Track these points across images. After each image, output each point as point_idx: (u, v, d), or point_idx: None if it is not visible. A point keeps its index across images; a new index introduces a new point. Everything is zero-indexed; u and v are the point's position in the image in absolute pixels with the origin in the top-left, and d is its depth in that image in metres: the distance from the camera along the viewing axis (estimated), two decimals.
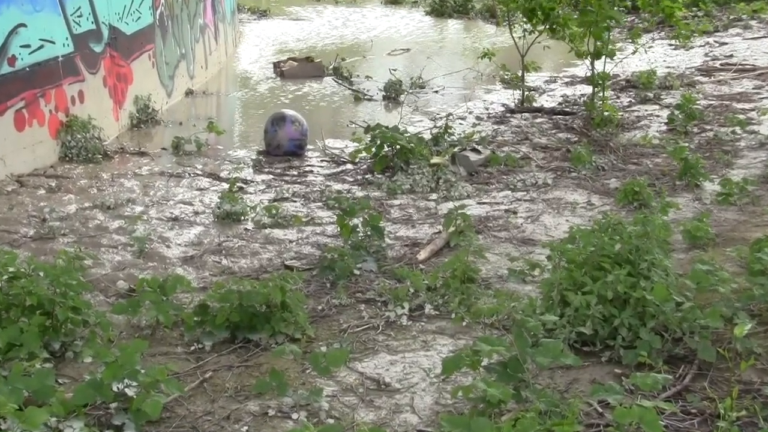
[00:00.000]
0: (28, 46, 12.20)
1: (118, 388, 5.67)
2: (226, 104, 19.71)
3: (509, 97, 18.01)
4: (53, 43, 12.88)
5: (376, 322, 7.33)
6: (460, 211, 9.26)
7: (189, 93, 19.45)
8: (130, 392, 5.69)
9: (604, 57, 15.19)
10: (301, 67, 21.92)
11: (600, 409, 5.66)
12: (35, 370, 5.82)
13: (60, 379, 6.27)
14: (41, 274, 6.86)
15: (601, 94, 15.62)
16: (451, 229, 9.25)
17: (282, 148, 13.72)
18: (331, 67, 21.98)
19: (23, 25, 12.10)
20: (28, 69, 12.21)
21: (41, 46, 12.56)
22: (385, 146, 12.45)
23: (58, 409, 5.41)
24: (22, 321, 6.50)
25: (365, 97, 19.03)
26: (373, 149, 12.55)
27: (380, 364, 6.61)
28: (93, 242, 9.52)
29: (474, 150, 12.95)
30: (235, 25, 27.71)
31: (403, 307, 7.51)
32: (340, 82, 20.79)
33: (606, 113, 15.05)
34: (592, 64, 15.40)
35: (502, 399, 5.21)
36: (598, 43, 15.05)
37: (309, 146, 14.11)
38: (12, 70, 11.82)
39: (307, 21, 34.01)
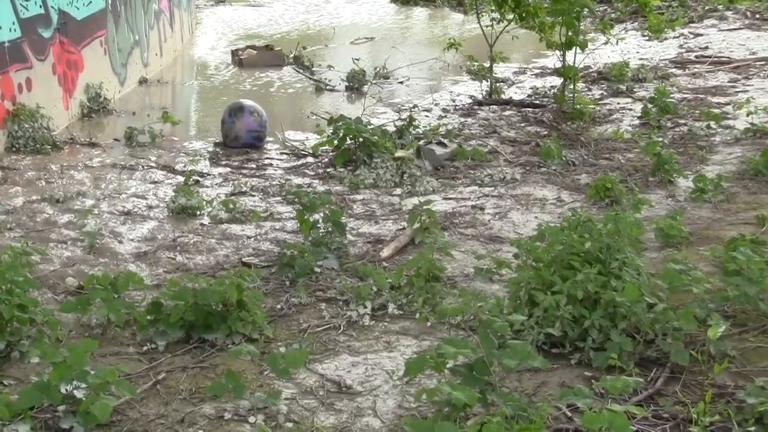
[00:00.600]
0: None
1: (66, 390, 5.63)
2: (182, 93, 19.63)
3: (477, 88, 18.04)
4: None
5: (338, 322, 7.32)
6: (425, 207, 9.27)
7: (143, 81, 19.35)
8: (79, 394, 5.64)
9: (575, 48, 15.24)
10: (260, 56, 21.87)
11: (569, 414, 5.69)
12: None
13: (5, 380, 6.23)
14: None
15: (572, 87, 15.68)
16: (416, 225, 9.26)
17: (240, 140, 13.68)
18: (291, 55, 21.94)
19: None
20: None
21: None
22: (348, 139, 12.44)
23: (2, 412, 5.37)
24: None
25: (327, 88, 19.01)
26: (335, 142, 12.53)
27: (341, 365, 6.61)
28: (41, 237, 9.45)
29: (440, 143, 12.97)
30: (191, 11, 27.60)
31: (365, 307, 7.51)
32: (301, 71, 20.76)
33: (577, 106, 15.12)
34: (563, 55, 15.46)
35: (467, 403, 5.22)
36: (570, 33, 15.10)
37: (268, 138, 14.07)
38: None
39: (267, 7, 33.93)
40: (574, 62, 15.43)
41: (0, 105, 12.78)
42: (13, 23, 13.18)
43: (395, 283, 7.90)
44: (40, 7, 14.14)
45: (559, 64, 16.02)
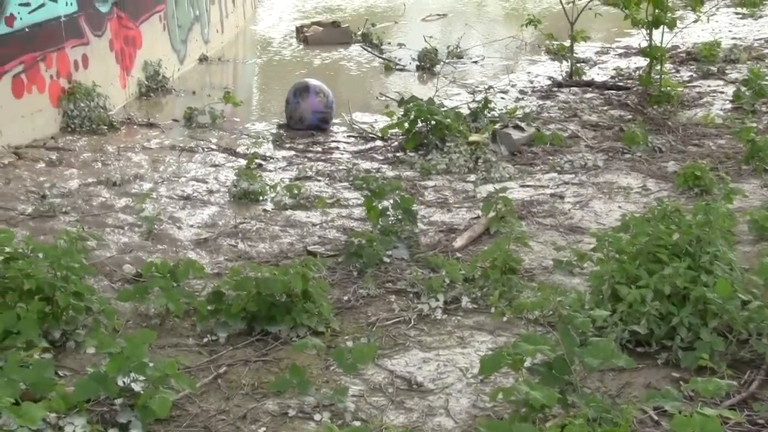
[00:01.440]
0: (27, 4, 12.23)
1: (123, 383, 5.68)
2: (243, 72, 19.74)
3: (556, 69, 17.94)
4: (55, 1, 12.92)
5: (408, 316, 7.31)
6: (500, 195, 9.23)
7: (203, 59, 19.48)
8: (136, 387, 5.69)
9: (662, 26, 15.07)
10: (326, 33, 21.91)
11: (656, 417, 5.63)
12: (33, 360, 5.84)
13: (60, 371, 6.30)
14: (40, 255, 6.86)
15: (658, 68, 15.51)
16: (491, 214, 9.21)
17: (305, 122, 13.72)
18: (359, 33, 21.97)
19: None
20: (27, 30, 12.24)
21: (42, 5, 12.60)
22: (419, 121, 12.41)
23: (57, 404, 5.42)
24: (19, 307, 6.51)
25: (397, 67, 19.00)
26: (406, 124, 12.52)
27: (412, 361, 6.60)
28: (97, 221, 9.55)
29: (517, 127, 12.91)
30: None
31: (437, 300, 7.50)
32: (369, 49, 20.76)
33: (664, 89, 14.95)
34: (649, 33, 15.28)
35: (546, 403, 5.18)
36: (657, 10, 14.93)
37: (334, 120, 14.11)
38: (10, 30, 11.86)
39: None
40: (661, 41, 15.25)
41: (55, 83, 12.93)
42: None
43: (469, 275, 7.87)
44: None
45: (644, 44, 15.85)
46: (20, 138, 12.14)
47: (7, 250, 6.89)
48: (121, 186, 10.81)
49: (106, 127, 13.27)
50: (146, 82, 16.00)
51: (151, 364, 5.71)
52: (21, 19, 12.05)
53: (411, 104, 12.56)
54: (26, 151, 11.94)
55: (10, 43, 11.85)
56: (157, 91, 16.12)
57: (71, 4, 13.34)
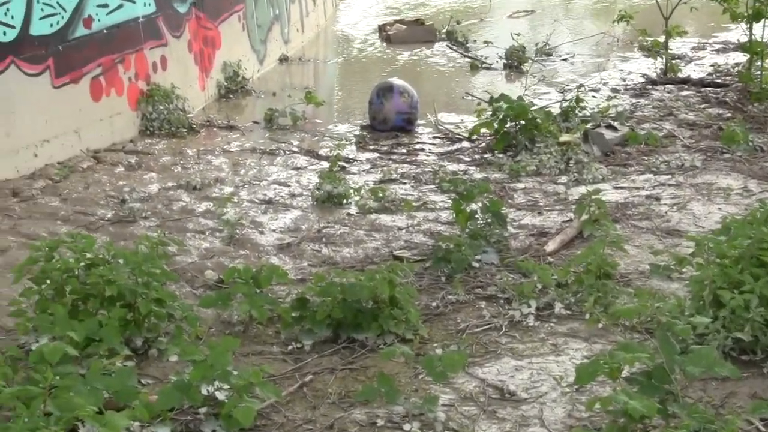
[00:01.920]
0: (105, 5, 12.41)
1: (207, 391, 5.73)
2: (325, 72, 19.82)
3: (650, 66, 17.76)
4: (133, 2, 13.09)
5: (499, 322, 7.29)
6: (594, 197, 9.16)
7: (283, 59, 19.58)
8: (220, 396, 5.74)
9: (764, 19, 14.85)
10: (409, 31, 21.92)
11: (763, 429, 5.55)
12: (116, 368, 5.91)
13: (143, 379, 6.37)
14: (121, 261, 6.95)
15: (759, 63, 15.29)
16: (584, 216, 9.15)
17: (389, 123, 13.73)
18: (444, 30, 21.92)
19: None
20: (105, 31, 12.42)
21: (120, 6, 12.77)
22: (508, 121, 12.37)
23: (141, 413, 5.47)
24: (100, 313, 6.62)
25: (483, 66, 18.94)
26: (495, 124, 12.48)
27: (504, 369, 6.58)
28: (177, 226, 9.66)
29: (609, 127, 12.81)
30: None
31: (529, 306, 7.46)
32: (454, 48, 20.73)
33: (765, 85, 14.73)
34: (749, 27, 15.08)
35: (645, 414, 5.13)
36: (757, 3, 14.73)
37: (419, 121, 14.09)
38: (88, 32, 12.04)
39: None
40: (762, 36, 15.04)
41: (134, 85, 13.09)
42: None
43: (562, 281, 7.82)
44: None
45: (744, 39, 15.64)
46: (99, 141, 12.30)
47: (88, 256, 7.00)
48: (202, 190, 10.91)
49: (185, 130, 13.39)
50: (226, 84, 16.11)
51: (235, 373, 5.75)
52: (99, 20, 12.23)
53: (501, 103, 12.50)
54: (105, 155, 12.10)
55: (88, 45, 12.03)
56: (237, 92, 16.23)
57: (149, 4, 13.50)
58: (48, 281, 6.85)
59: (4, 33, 10.65)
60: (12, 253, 8.80)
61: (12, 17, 10.75)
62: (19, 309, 6.80)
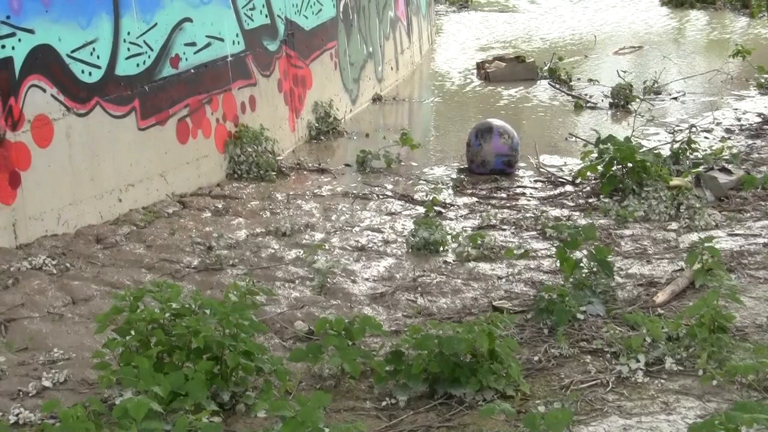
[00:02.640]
0: (193, 44, 12.60)
1: None
2: (420, 112, 19.89)
3: (767, 105, 17.57)
4: (222, 40, 13.27)
5: (605, 378, 7.22)
6: (706, 244, 9.06)
7: (377, 99, 19.70)
8: None
9: None
10: (509, 69, 21.95)
11: None
12: (202, 424, 5.94)
13: None
14: (208, 311, 7.01)
15: None
16: (696, 266, 9.05)
17: (488, 166, 13.74)
18: (546, 68, 21.94)
19: (188, 19, 12.51)
20: (192, 71, 12.60)
21: (208, 44, 12.95)
22: (615, 164, 12.30)
23: None
24: (186, 366, 6.66)
25: (588, 105, 18.90)
26: (601, 167, 12.42)
27: (611, 429, 6.50)
28: (266, 275, 9.72)
29: (723, 170, 12.68)
30: (430, 19, 27.98)
31: (638, 361, 7.38)
32: (557, 86, 20.72)
33: None
34: None
35: None
36: None
37: (520, 163, 14.09)
38: (175, 72, 12.22)
39: (517, 13, 34.06)
40: None
41: (221, 127, 13.24)
42: (237, 35, 13.67)
43: (673, 334, 7.73)
44: (266, 16, 14.60)
45: None
46: (185, 186, 12.45)
47: (174, 306, 7.04)
48: (291, 236, 10.98)
49: (274, 173, 13.51)
50: (316, 125, 16.24)
51: (326, 430, 5.76)
52: (186, 59, 12.41)
53: (607, 144, 12.44)
54: (191, 200, 12.24)
55: (175, 85, 12.21)
56: (328, 133, 16.34)
57: (238, 42, 13.67)
58: (132, 332, 6.91)
59: (90, 73, 10.86)
60: (95, 303, 8.92)
61: (98, 57, 10.97)
62: (102, 361, 6.85)
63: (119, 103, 11.30)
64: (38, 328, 8.28)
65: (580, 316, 8.30)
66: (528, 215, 11.68)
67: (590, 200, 12.23)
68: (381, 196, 12.73)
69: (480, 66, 22.70)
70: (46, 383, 7.20)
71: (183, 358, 6.73)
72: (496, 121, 14.26)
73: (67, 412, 5.73)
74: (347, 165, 14.46)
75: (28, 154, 10.06)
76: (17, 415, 6.65)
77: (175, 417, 6.07)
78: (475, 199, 12.67)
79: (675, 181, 12.02)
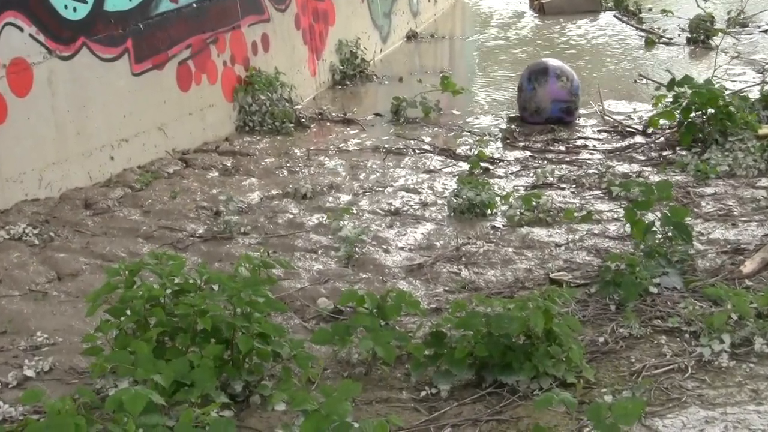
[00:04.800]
0: None
1: None
2: (463, 52, 19.85)
3: None
4: None
5: (683, 362, 7.20)
6: None
7: (411, 36, 19.67)
8: None
9: None
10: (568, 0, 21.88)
11: None
12: (210, 419, 5.94)
13: None
14: (216, 287, 7.02)
15: None
16: None
17: (543, 113, 13.71)
18: None
19: None
20: (195, 5, 12.60)
21: None
22: (694, 110, 12.24)
23: None
24: (192, 352, 6.67)
25: (661, 41, 18.82)
26: (677, 114, 12.36)
27: (691, 421, 6.49)
28: (284, 244, 9.74)
29: None
30: None
31: (722, 342, 7.36)
32: (624, 19, 20.65)
33: None
34: None
35: None
36: None
37: (581, 111, 14.04)
38: (174, 7, 12.23)
39: None
40: None
41: (229, 71, 13.24)
42: None
43: (763, 310, 7.72)
44: None
45: None
46: (188, 141, 12.48)
47: (177, 281, 7.05)
48: (313, 199, 11.00)
49: (292, 125, 13.51)
50: (341, 67, 16.23)
51: (356, 425, 5.76)
52: None
53: (684, 87, 12.38)
54: (195, 157, 12.27)
55: (174, 22, 12.21)
56: (355, 77, 16.34)
57: None
58: (128, 312, 6.91)
59: (75, 9, 10.88)
60: (85, 278, 8.96)
61: None
62: (93, 346, 6.86)
63: (109, 43, 11.31)
64: (18, 309, 8.31)
65: (653, 290, 8.28)
66: (591, 171, 11.66)
67: (664, 153, 12.19)
68: (417, 151, 12.72)
69: None
70: (29, 372, 7.23)
71: (187, 342, 6.72)
72: (553, 61, 14.21)
73: (54, 405, 5.71)
74: (377, 115, 14.46)
75: (4, 104, 10.08)
76: None
77: (178, 410, 6.09)
78: (528, 153, 12.65)
79: (765, 130, 11.97)
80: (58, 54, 10.64)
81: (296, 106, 14.07)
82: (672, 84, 12.71)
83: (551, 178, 11.46)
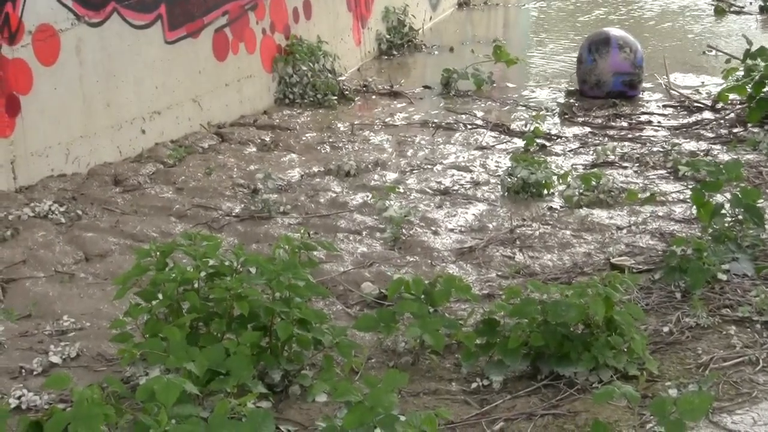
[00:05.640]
0: None
1: None
2: (518, 20, 19.81)
3: None
4: None
5: (754, 354, 7.16)
6: None
7: (463, 4, 19.66)
8: None
9: None
10: None
11: None
12: (247, 410, 5.94)
13: (282, 425, 6.42)
14: (254, 270, 7.01)
15: None
16: None
17: (604, 87, 13.67)
18: None
19: None
20: None
21: None
22: (766, 84, 12.17)
23: None
24: (227, 339, 6.68)
25: (731, 9, 18.72)
26: (749, 88, 12.29)
27: (762, 417, 6.46)
28: (326, 225, 9.75)
29: None
30: None
31: None
32: None
33: None
34: None
35: None
36: None
37: (645, 84, 13.98)
38: None
39: None
40: None
41: (269, 39, 13.24)
42: None
43: None
44: None
45: None
46: (224, 114, 12.49)
47: (211, 263, 7.03)
48: (357, 176, 11.00)
49: (335, 98, 13.51)
50: (387, 36, 16.22)
51: (402, 418, 5.74)
52: None
53: (758, 59, 12.30)
54: (231, 131, 12.28)
55: None
56: (403, 47, 16.33)
57: None
58: (160, 296, 6.92)
59: None
60: (114, 260, 8.99)
61: None
62: (123, 332, 6.86)
63: (141, 9, 11.34)
64: (44, 291, 8.35)
65: (722, 277, 8.24)
66: (655, 149, 11.62)
67: (735, 130, 12.13)
68: (469, 126, 12.70)
69: None
70: (54, 359, 7.26)
71: (223, 328, 6.72)
72: (615, 31, 14.17)
73: (81, 394, 5.73)
74: (426, 87, 14.44)
75: (29, 73, 10.12)
76: (19, 397, 6.68)
77: (213, 401, 6.11)
78: (587, 129, 12.61)
79: None
80: (87, 20, 10.66)
81: (339, 78, 14.06)
82: (746, 55, 12.62)
83: (612, 156, 11.41)
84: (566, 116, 13.07)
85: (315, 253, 7.89)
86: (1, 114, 9.84)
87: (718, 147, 11.69)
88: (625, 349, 6.92)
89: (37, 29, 10.12)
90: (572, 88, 14.05)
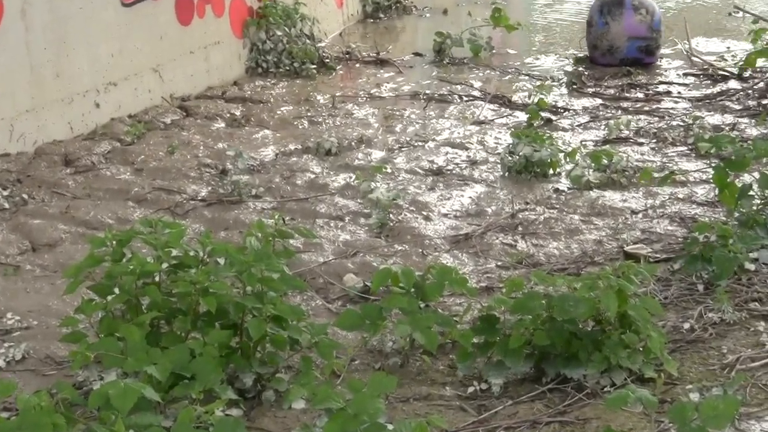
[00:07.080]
0: None
1: None
2: None
3: None
4: None
5: None
6: None
7: None
8: None
9: None
10: None
11: None
12: (215, 419, 5.96)
13: None
14: (222, 261, 7.02)
15: None
16: None
17: (618, 53, 13.69)
18: None
19: None
20: None
21: None
22: None
23: None
24: (193, 338, 6.69)
25: None
26: None
27: None
28: (303, 210, 9.76)
29: None
30: None
31: None
32: None
33: None
34: None
35: None
36: None
37: (663, 50, 14.00)
38: None
39: None
40: None
41: (239, 2, 13.22)
42: None
43: None
44: None
45: None
46: (188, 85, 12.50)
47: (174, 253, 7.04)
48: (339, 155, 11.02)
49: (314, 67, 13.53)
50: None
51: (390, 427, 5.76)
52: None
53: None
54: (197, 104, 12.30)
55: None
56: (390, 9, 16.36)
57: None
58: (116, 291, 6.92)
59: None
60: (64, 249, 8.98)
61: None
62: (75, 331, 6.85)
63: None
64: None
65: (750, 266, 8.26)
66: (675, 123, 11.64)
67: (764, 101, 12.14)
68: (465, 98, 12.71)
69: None
70: None
71: (187, 326, 6.74)
72: None
73: (27, 401, 5.73)
74: (417, 54, 14.47)
75: None
76: None
77: (176, 408, 6.11)
78: (599, 101, 12.64)
79: None
80: None
81: (319, 44, 14.07)
82: None
83: (626, 132, 11.44)
84: (575, 86, 13.10)
85: (291, 241, 7.90)
86: None
87: (746, 120, 11.72)
88: (641, 349, 6.93)
89: None
90: (581, 55, 14.08)
